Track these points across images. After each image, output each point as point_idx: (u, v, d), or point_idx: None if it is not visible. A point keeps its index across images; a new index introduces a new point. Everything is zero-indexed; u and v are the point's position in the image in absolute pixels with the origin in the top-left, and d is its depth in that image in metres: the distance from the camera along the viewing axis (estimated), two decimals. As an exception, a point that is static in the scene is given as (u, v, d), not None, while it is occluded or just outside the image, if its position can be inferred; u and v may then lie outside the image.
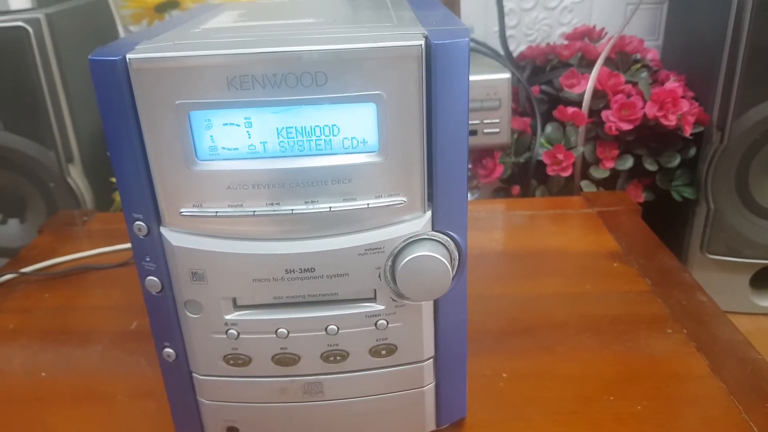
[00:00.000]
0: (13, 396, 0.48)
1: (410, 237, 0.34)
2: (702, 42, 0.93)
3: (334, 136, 0.32)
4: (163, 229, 0.34)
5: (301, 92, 0.30)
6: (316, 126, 0.31)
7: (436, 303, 0.37)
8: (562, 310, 0.55)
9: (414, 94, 0.31)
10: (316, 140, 0.32)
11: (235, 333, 0.36)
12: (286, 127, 0.31)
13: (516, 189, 0.92)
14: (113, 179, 0.96)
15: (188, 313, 0.35)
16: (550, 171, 0.84)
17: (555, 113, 0.87)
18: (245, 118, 0.31)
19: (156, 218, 0.33)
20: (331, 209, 0.32)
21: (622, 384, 0.46)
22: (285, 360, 0.36)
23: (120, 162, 0.33)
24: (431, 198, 0.34)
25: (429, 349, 0.38)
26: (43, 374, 0.50)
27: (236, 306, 0.35)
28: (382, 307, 0.36)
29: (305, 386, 0.37)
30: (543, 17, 1.13)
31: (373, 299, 0.36)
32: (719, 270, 0.98)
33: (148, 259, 0.35)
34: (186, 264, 0.34)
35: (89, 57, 0.31)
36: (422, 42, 0.30)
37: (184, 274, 0.34)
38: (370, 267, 0.34)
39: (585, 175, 0.89)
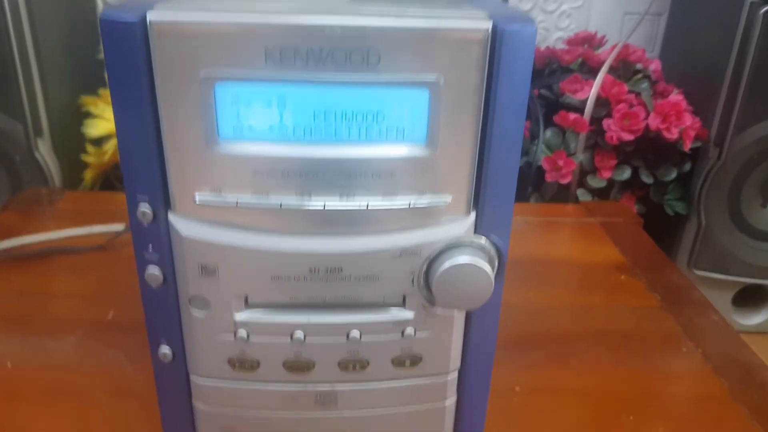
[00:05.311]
0: (-25, 389, 0.43)
1: (451, 241, 0.31)
2: (704, 56, 0.92)
3: (378, 123, 0.28)
4: (171, 216, 0.30)
5: (348, 72, 0.26)
6: (358, 111, 0.28)
7: (468, 312, 0.33)
8: (571, 322, 0.53)
9: (473, 83, 0.27)
10: (357, 127, 0.28)
11: (245, 334, 0.32)
12: (325, 110, 0.28)
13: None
14: (84, 156, 0.90)
15: (193, 311, 0.32)
16: (549, 177, 0.82)
17: (556, 118, 0.85)
18: (279, 97, 0.27)
19: (164, 203, 0.29)
20: (369, 206, 0.29)
21: (641, 403, 0.43)
22: (298, 366, 0.33)
23: (126, 136, 0.28)
24: (477, 199, 0.31)
25: (455, 361, 0.35)
26: (9, 365, 0.45)
27: (248, 305, 0.32)
28: (411, 315, 0.32)
29: (317, 395, 0.34)
30: (541, 20, 1.11)
31: (402, 305, 0.32)
32: (704, 287, 0.97)
33: (150, 249, 0.31)
34: (196, 257, 0.30)
35: (100, 17, 0.27)
36: (489, 26, 0.27)
37: (192, 268, 0.30)
38: (403, 271, 0.31)
39: (580, 184, 0.87)
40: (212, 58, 0.26)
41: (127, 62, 0.27)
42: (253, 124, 0.28)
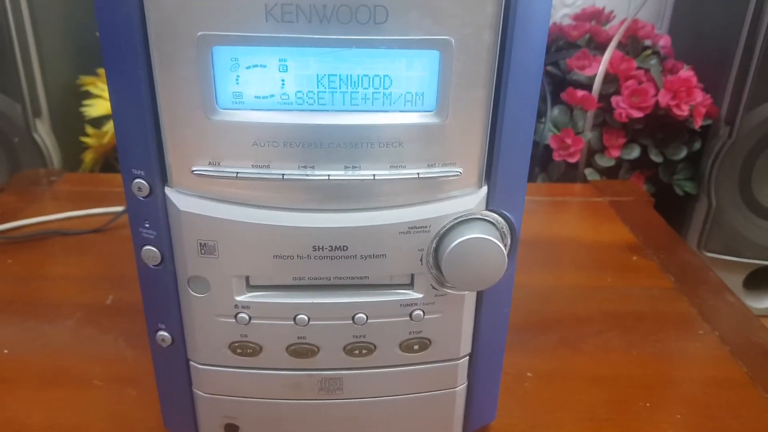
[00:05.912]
0: (-31, 375, 0.42)
1: (461, 216, 0.29)
2: (715, 32, 0.90)
3: (385, 89, 0.26)
4: (168, 190, 0.28)
5: (354, 31, 0.25)
6: (364, 75, 0.26)
7: (480, 293, 0.32)
8: (582, 304, 0.51)
9: (487, 42, 0.26)
10: (363, 93, 0.26)
11: (246, 317, 0.30)
12: (329, 75, 0.26)
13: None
14: (84, 138, 0.89)
15: (191, 292, 0.30)
16: (556, 156, 0.80)
17: (563, 96, 0.83)
18: (280, 60, 0.26)
19: (161, 176, 0.28)
20: (375, 177, 0.27)
21: (657, 389, 0.42)
22: (302, 351, 0.31)
23: (121, 106, 0.27)
24: (489, 172, 0.29)
25: (466, 346, 0.33)
26: (6, 351, 0.44)
27: (249, 286, 0.30)
28: (420, 296, 0.31)
29: (322, 382, 0.32)
30: (547, -3, 1.08)
31: (410, 286, 0.31)
32: (714, 269, 0.95)
33: (147, 225, 0.29)
34: (194, 233, 0.28)
35: (90, -29, 0.25)
36: (504, -22, 0.25)
37: (190, 246, 0.29)
38: (411, 248, 0.29)
39: (588, 163, 0.85)
40: (210, 17, 0.24)
41: (121, 25, 0.25)
42: (252, 90, 0.26)
